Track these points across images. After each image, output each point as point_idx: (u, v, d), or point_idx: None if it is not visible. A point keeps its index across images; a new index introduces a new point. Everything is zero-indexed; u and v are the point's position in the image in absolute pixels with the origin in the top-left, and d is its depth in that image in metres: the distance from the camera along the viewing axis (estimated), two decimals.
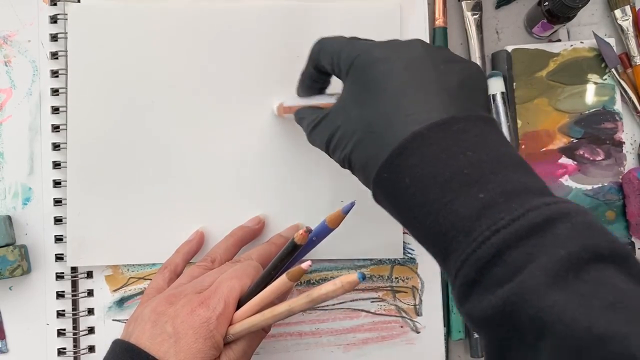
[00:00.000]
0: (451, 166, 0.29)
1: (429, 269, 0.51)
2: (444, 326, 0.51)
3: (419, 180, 0.30)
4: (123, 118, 0.49)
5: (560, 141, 0.53)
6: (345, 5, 0.50)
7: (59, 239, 0.50)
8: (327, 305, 0.51)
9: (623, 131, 0.53)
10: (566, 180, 0.53)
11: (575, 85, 0.53)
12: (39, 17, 0.50)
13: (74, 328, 0.50)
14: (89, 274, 0.50)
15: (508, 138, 0.50)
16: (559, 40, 0.54)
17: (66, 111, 0.49)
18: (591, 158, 0.53)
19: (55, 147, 0.50)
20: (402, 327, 0.51)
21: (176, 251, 0.48)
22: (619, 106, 0.53)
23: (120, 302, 0.50)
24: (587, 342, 0.24)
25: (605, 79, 0.53)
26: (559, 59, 0.53)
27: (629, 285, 0.26)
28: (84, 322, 0.50)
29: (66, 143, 0.49)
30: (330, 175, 0.50)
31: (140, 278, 0.50)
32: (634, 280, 0.27)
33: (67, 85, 0.49)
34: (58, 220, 0.50)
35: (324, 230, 0.39)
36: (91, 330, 0.50)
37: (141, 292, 0.50)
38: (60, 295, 0.49)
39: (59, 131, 0.50)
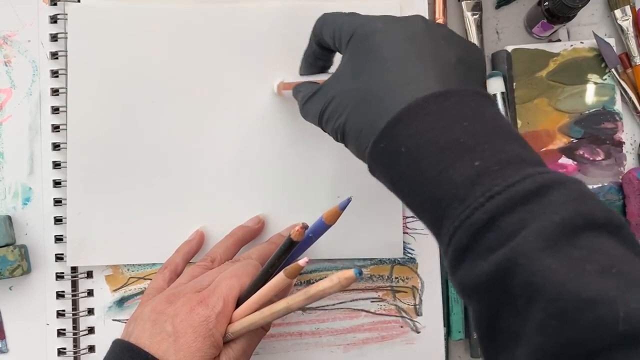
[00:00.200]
0: (447, 135, 0.29)
1: (429, 269, 0.51)
2: (444, 326, 0.51)
3: (415, 149, 0.30)
4: (123, 118, 0.49)
5: (560, 141, 0.53)
6: (345, 5, 0.50)
7: (59, 239, 0.50)
8: (327, 305, 0.51)
9: (623, 131, 0.53)
10: None
11: (575, 85, 0.53)
12: (39, 17, 0.50)
13: (74, 328, 0.50)
14: (89, 274, 0.50)
15: None
16: (559, 40, 0.54)
17: (66, 111, 0.49)
18: (591, 158, 0.53)
19: (55, 147, 0.50)
20: (402, 327, 0.51)
21: (176, 251, 0.48)
22: (619, 106, 0.53)
23: (121, 302, 0.50)
24: (576, 306, 0.24)
25: (605, 79, 0.53)
26: (559, 59, 0.53)
27: (622, 251, 0.26)
28: (84, 322, 0.50)
29: (66, 143, 0.49)
30: (331, 175, 0.50)
31: (140, 278, 0.50)
32: (627, 248, 0.27)
33: (67, 85, 0.49)
34: (58, 220, 0.50)
35: (321, 227, 0.39)
36: (91, 330, 0.50)
37: (141, 292, 0.50)
38: (60, 295, 0.49)
39: (59, 131, 0.50)
